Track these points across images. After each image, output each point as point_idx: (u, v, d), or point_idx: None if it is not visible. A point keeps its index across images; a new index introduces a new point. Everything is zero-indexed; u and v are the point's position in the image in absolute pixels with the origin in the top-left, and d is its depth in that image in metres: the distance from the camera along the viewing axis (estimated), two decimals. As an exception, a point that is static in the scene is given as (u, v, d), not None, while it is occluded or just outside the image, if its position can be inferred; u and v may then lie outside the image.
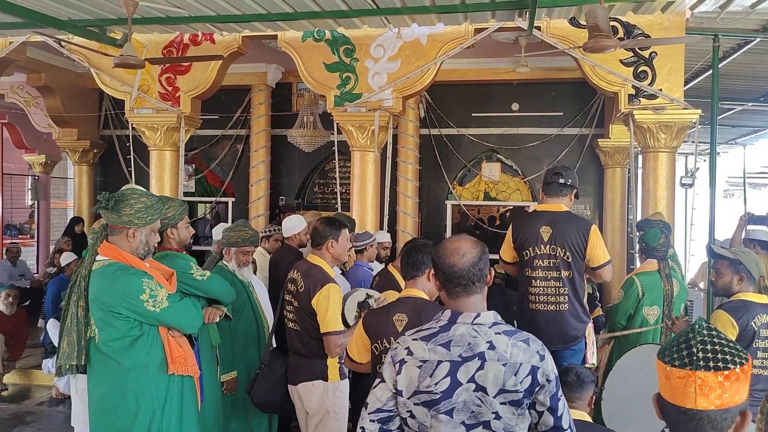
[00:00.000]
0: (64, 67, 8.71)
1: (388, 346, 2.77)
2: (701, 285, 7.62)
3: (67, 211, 14.48)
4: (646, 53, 5.70)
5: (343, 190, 8.73)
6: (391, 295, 3.72)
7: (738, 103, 8.67)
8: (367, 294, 3.69)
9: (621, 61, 5.71)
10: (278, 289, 5.33)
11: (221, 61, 6.36)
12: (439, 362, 1.90)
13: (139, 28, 6.00)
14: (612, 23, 5.67)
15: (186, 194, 8.89)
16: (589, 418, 3.19)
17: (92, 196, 9.91)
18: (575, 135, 8.74)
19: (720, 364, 1.42)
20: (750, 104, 8.61)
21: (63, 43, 6.34)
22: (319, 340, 3.39)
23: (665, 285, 4.54)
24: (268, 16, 5.36)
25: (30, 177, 12.98)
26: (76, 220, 9.34)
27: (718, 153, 11.66)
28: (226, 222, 9.79)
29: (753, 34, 5.90)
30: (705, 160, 11.36)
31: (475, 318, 1.95)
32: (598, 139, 8.36)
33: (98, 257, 2.93)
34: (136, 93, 6.52)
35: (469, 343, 1.90)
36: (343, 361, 3.41)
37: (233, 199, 9.79)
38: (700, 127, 8.02)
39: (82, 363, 2.87)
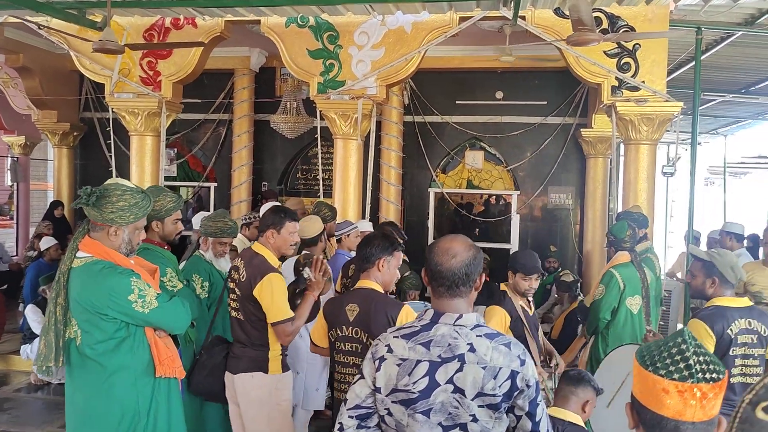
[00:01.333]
0: (43, 48, 8.55)
1: (339, 334, 2.95)
2: (679, 275, 7.71)
3: (47, 193, 14.28)
4: (629, 45, 5.71)
5: (326, 176, 8.71)
6: None
7: (719, 94, 8.73)
8: (301, 267, 3.55)
9: (605, 52, 5.72)
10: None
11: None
12: (419, 361, 1.90)
13: (119, 11, 5.90)
14: (596, 14, 5.68)
15: (167, 179, 8.81)
16: (581, 422, 3.05)
17: (72, 179, 9.81)
18: (559, 124, 8.77)
19: (714, 375, 1.43)
20: (731, 96, 8.67)
21: (41, 27, 6.22)
22: (260, 330, 3.34)
23: (641, 274, 4.65)
24: (251, 1, 5.29)
25: (9, 158, 12.77)
26: (56, 204, 9.23)
27: (699, 143, 11.76)
28: (208, 208, 9.74)
29: (736, 28, 5.94)
30: (686, 149, 11.45)
31: (457, 319, 1.94)
32: (581, 129, 8.40)
33: (80, 254, 2.76)
34: (117, 77, 6.43)
35: (449, 344, 1.90)
36: (284, 353, 3.45)
37: (215, 184, 9.72)
38: (681, 117, 8.08)
39: (60, 365, 2.74)
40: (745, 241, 6.66)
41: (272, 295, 3.26)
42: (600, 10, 5.64)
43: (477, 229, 9.63)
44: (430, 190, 9.19)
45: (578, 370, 3.36)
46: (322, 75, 6.17)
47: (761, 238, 5.96)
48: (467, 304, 2.01)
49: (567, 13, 5.66)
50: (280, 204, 4.09)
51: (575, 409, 3.07)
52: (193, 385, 3.61)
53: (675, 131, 7.99)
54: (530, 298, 3.96)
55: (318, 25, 6.11)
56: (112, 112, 6.73)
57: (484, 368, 1.85)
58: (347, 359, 2.96)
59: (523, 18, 5.73)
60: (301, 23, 6.13)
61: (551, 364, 4.03)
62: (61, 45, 6.58)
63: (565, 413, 3.06)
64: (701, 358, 1.45)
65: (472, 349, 1.88)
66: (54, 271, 6.82)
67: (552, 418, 2.95)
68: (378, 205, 8.65)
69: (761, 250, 5.97)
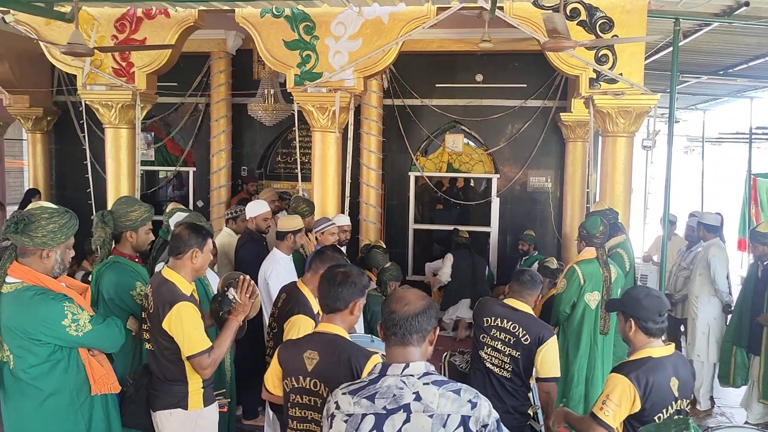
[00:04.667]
0: (11, 31, 8.30)
1: (295, 385, 2.60)
2: (655, 258, 7.83)
3: (23, 170, 14.05)
4: (608, 35, 5.68)
5: (306, 160, 8.65)
6: (300, 321, 3.41)
7: (696, 76, 8.75)
8: (225, 287, 3.29)
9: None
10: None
11: (178, 34, 6.18)
12: (364, 416, 1.90)
13: (88, 3, 5.75)
14: (574, 5, 5.63)
15: (145, 163, 8.71)
16: (532, 312, 3.86)
17: (48, 164, 9.67)
18: (538, 107, 8.74)
19: None
20: (706, 78, 8.70)
21: (7, 18, 6.06)
22: (175, 363, 3.09)
23: (604, 271, 4.80)
24: (224, -3, 5.17)
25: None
26: (32, 193, 9.07)
27: (678, 120, 11.83)
28: (188, 188, 9.67)
29: (713, 18, 5.92)
30: (666, 123, 11.50)
31: (404, 369, 1.94)
32: (561, 113, 8.38)
33: (9, 279, 2.77)
34: (88, 68, 6.29)
35: (395, 395, 1.89)
36: (207, 385, 3.20)
37: (194, 169, 9.62)
38: (660, 94, 8.10)
39: None
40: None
41: (182, 326, 3.00)
42: (578, 2, 5.59)
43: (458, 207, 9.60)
44: (410, 173, 9.17)
45: (528, 275, 3.89)
46: (298, 66, 6.08)
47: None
48: (420, 355, 2.01)
49: (545, 3, 5.64)
50: (192, 222, 3.65)
51: (530, 303, 3.86)
52: (124, 421, 3.32)
53: (654, 107, 8.03)
54: None
55: (294, 15, 5.99)
56: (86, 104, 6.60)
57: (431, 416, 1.84)
58: (304, 413, 2.62)
59: (501, 9, 5.66)
60: (276, 13, 6.00)
61: None
62: (29, 35, 6.39)
63: (518, 303, 3.84)
64: None
65: (417, 398, 1.87)
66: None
67: (507, 306, 3.86)
68: (359, 190, 8.64)
69: None
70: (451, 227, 9.12)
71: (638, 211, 7.49)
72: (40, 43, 6.31)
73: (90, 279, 4.93)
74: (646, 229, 7.60)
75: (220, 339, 3.16)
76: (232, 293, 3.20)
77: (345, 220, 5.92)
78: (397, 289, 2.25)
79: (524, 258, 8.01)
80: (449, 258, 8.06)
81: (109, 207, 6.31)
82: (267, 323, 4.75)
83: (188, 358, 3.03)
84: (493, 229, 9.04)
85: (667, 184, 6.08)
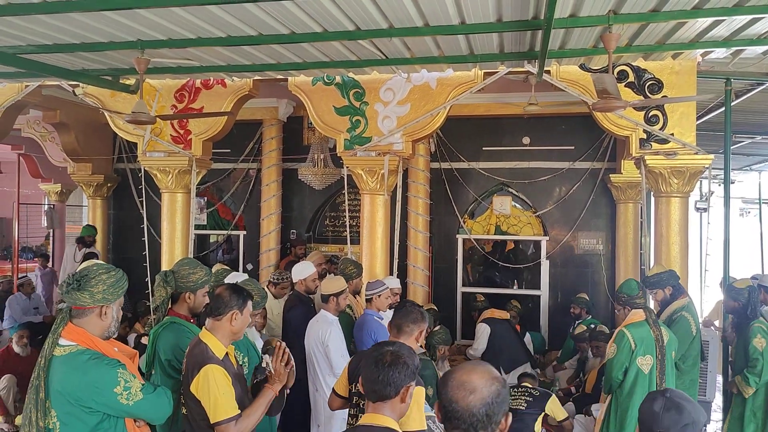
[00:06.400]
0: (78, 103, 8.81)
1: None
2: (717, 323, 7.49)
3: (81, 236, 14.60)
4: (657, 97, 5.66)
5: (354, 223, 8.73)
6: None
7: (749, 136, 8.60)
8: (264, 352, 3.17)
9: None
10: (288, 337, 5.37)
11: (234, 103, 6.44)
12: None
13: (151, 75, 6.06)
14: (622, 68, 5.65)
15: (197, 227, 8.93)
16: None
17: (106, 229, 10.05)
18: (587, 169, 8.69)
19: None
20: (761, 138, 8.53)
21: (77, 91, 6.45)
22: (205, 430, 2.93)
23: (655, 332, 4.59)
24: (277, 66, 5.39)
25: (45, 206, 13.11)
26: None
27: (733, 181, 11.55)
28: (237, 251, 9.82)
29: (766, 78, 5.85)
30: (720, 185, 11.21)
31: None
32: (610, 174, 8.30)
33: (62, 341, 2.67)
34: (149, 137, 6.58)
35: None
36: None
37: (244, 233, 9.81)
38: (714, 156, 7.98)
39: None
40: None
41: (209, 390, 2.87)
42: (626, 64, 5.61)
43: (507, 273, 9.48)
44: (458, 236, 9.14)
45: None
46: (348, 131, 6.24)
47: None
48: None
49: (593, 67, 5.68)
50: (233, 283, 3.58)
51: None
52: None
53: (708, 168, 7.90)
54: None
55: (344, 82, 6.19)
56: (144, 170, 6.88)
57: None
58: None
59: (548, 72, 5.73)
60: (327, 81, 6.22)
61: None
62: (96, 106, 6.77)
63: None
64: None
65: None
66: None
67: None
68: (406, 252, 8.64)
69: None
70: (499, 290, 8.98)
71: (695, 274, 7.24)
72: (106, 112, 6.65)
73: (142, 341, 5.00)
74: (705, 292, 7.33)
75: (252, 408, 2.97)
76: (266, 361, 3.06)
77: (395, 283, 5.90)
78: (460, 367, 1.79)
79: (577, 322, 7.78)
80: (485, 330, 7.13)
81: (164, 269, 6.53)
82: (313, 387, 4.73)
83: (214, 425, 2.88)
84: (544, 292, 8.86)
85: (725, 246, 5.92)
